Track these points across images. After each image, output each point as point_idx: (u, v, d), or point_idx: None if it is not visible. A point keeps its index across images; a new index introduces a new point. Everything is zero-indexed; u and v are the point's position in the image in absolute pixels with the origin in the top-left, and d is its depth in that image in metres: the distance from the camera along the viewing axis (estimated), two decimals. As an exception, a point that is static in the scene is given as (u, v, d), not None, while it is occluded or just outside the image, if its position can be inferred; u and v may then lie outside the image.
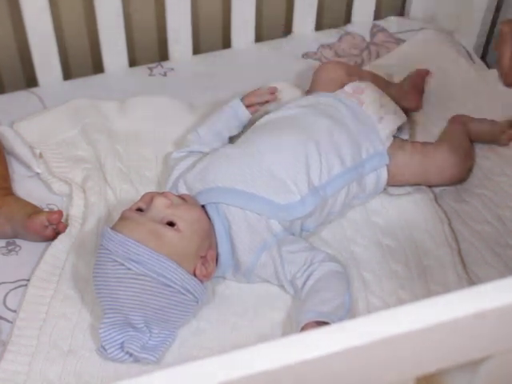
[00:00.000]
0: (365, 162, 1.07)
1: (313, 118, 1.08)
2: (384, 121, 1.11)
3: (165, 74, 1.36)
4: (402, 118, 1.14)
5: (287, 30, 1.47)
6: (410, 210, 1.10)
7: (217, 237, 0.98)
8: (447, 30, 1.45)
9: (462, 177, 1.13)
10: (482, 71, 1.33)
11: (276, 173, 1.01)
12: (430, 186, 1.13)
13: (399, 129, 1.15)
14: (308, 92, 1.23)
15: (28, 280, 1.01)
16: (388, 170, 1.09)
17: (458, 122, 1.19)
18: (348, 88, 1.15)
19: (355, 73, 1.21)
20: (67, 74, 1.37)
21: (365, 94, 1.13)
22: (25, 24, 1.23)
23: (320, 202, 1.03)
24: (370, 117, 1.11)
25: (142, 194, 0.99)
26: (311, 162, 1.03)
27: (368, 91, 1.14)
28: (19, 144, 1.17)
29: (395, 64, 1.36)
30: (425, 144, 1.14)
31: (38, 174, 1.16)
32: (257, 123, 1.11)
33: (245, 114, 1.14)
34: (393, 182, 1.12)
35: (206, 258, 0.95)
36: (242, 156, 1.03)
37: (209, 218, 0.98)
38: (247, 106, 1.14)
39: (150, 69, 1.37)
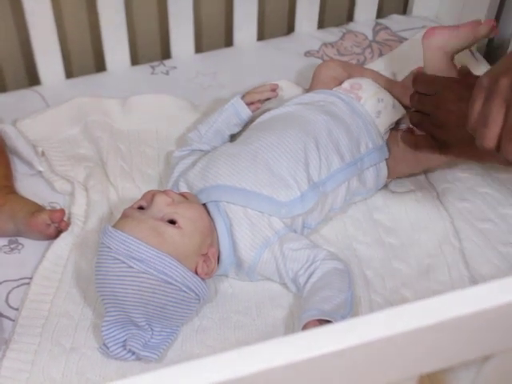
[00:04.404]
0: (364, 157, 1.07)
1: (311, 114, 1.08)
2: (382, 115, 1.11)
3: (167, 73, 1.37)
4: (400, 111, 1.14)
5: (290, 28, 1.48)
6: (412, 207, 1.10)
7: (218, 235, 0.98)
8: (450, 29, 1.45)
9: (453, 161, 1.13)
10: (484, 69, 1.33)
11: (276, 170, 1.01)
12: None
13: (398, 123, 1.15)
14: (308, 90, 1.23)
15: (30, 278, 1.01)
16: (387, 164, 1.10)
17: None
18: (346, 84, 1.15)
19: (355, 71, 1.21)
20: (69, 73, 1.37)
21: (362, 89, 1.13)
22: (27, 22, 1.24)
23: (320, 198, 1.03)
24: (368, 111, 1.11)
25: (144, 192, 0.99)
26: (310, 158, 1.03)
27: (366, 86, 1.14)
28: (22, 142, 1.17)
29: (398, 62, 1.36)
30: None
31: (40, 172, 1.16)
32: (257, 121, 1.12)
33: (245, 112, 1.14)
34: (393, 175, 1.12)
35: (207, 256, 0.95)
36: (241, 154, 1.03)
37: (210, 216, 0.98)
38: (248, 104, 1.14)
39: (153, 67, 1.38)
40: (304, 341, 0.51)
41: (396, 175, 1.12)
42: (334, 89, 1.15)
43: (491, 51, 1.45)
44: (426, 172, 1.15)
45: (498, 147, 0.78)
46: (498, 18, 1.41)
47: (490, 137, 0.78)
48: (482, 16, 1.37)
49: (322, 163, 1.03)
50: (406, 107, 1.18)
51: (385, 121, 1.11)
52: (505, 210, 1.09)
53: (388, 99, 1.13)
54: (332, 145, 1.05)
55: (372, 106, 1.11)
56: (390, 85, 1.21)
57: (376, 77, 1.21)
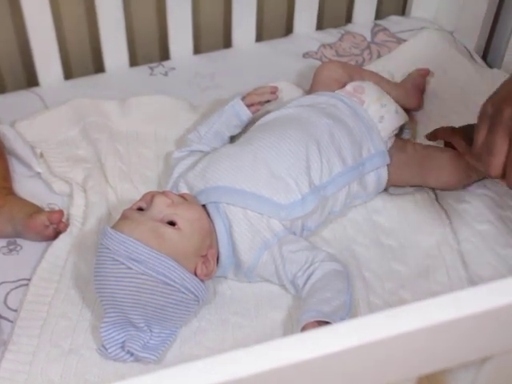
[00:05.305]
0: (365, 161, 1.07)
1: (313, 117, 1.08)
2: (385, 120, 1.11)
3: (166, 74, 1.36)
4: (403, 117, 1.14)
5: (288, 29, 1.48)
6: (411, 209, 1.10)
7: (218, 236, 0.98)
8: (448, 30, 1.45)
9: (460, 184, 1.11)
10: (483, 71, 1.33)
11: (276, 172, 1.01)
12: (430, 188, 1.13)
13: (401, 129, 1.15)
14: (308, 91, 1.23)
15: (29, 279, 1.01)
16: (388, 170, 1.09)
17: None
18: (349, 87, 1.15)
19: (356, 72, 1.21)
20: (68, 74, 1.37)
21: (366, 93, 1.13)
22: (25, 23, 1.23)
23: (321, 202, 1.03)
24: (371, 116, 1.11)
25: (143, 193, 0.98)
26: (312, 161, 1.03)
27: (369, 91, 1.14)
28: (20, 144, 1.17)
29: (396, 63, 1.36)
30: (427, 147, 1.13)
31: (38, 173, 1.16)
32: (257, 123, 1.11)
33: (245, 114, 1.13)
34: (393, 182, 1.12)
35: (206, 257, 0.95)
36: (242, 155, 1.03)
37: (210, 218, 0.98)
38: (248, 106, 1.14)
39: (151, 68, 1.37)
40: (303, 342, 0.51)
41: (396, 182, 1.12)
42: (337, 91, 1.15)
43: (490, 51, 1.45)
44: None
45: (503, 175, 0.81)
46: (496, 18, 1.41)
47: (495, 165, 0.82)
48: (480, 17, 1.37)
49: (324, 166, 1.03)
50: (407, 111, 1.18)
51: (387, 126, 1.11)
52: (503, 212, 1.09)
53: (391, 104, 1.13)
54: (334, 148, 1.05)
55: (375, 111, 1.11)
56: (390, 87, 1.21)
57: (376, 78, 1.21)
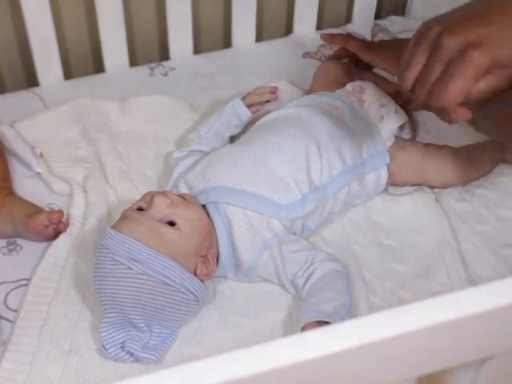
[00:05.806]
0: (365, 161, 1.07)
1: (313, 117, 1.08)
2: (385, 120, 1.11)
3: (166, 74, 1.37)
4: (403, 117, 1.14)
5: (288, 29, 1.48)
6: (410, 209, 1.10)
7: (217, 236, 0.98)
8: (448, 30, 1.45)
9: (460, 182, 1.12)
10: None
11: (276, 172, 1.01)
12: (430, 187, 1.13)
13: (401, 128, 1.15)
14: (308, 91, 1.23)
15: (29, 280, 1.01)
16: (388, 170, 1.09)
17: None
18: (349, 87, 1.15)
19: (356, 72, 1.21)
20: (68, 74, 1.37)
21: (366, 93, 1.13)
22: (25, 23, 1.24)
23: (321, 202, 1.03)
24: (371, 116, 1.11)
25: (143, 193, 0.98)
26: (312, 161, 1.03)
27: (369, 91, 1.14)
28: (20, 144, 1.17)
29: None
30: (426, 145, 1.13)
31: (38, 173, 1.16)
32: (257, 123, 1.11)
33: (245, 114, 1.13)
34: (393, 182, 1.12)
35: (206, 257, 0.95)
36: (242, 155, 1.03)
37: (210, 218, 0.98)
38: (248, 106, 1.14)
39: (151, 68, 1.38)
40: (303, 342, 0.51)
41: (397, 182, 1.12)
42: (337, 91, 1.15)
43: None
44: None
45: (413, 90, 0.81)
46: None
47: (407, 78, 0.81)
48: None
49: (324, 167, 1.03)
50: (407, 111, 1.18)
51: (387, 126, 1.11)
52: (503, 212, 1.09)
53: (391, 105, 1.13)
54: (334, 148, 1.05)
55: (375, 111, 1.11)
56: (390, 87, 1.21)
57: (376, 78, 1.21)
